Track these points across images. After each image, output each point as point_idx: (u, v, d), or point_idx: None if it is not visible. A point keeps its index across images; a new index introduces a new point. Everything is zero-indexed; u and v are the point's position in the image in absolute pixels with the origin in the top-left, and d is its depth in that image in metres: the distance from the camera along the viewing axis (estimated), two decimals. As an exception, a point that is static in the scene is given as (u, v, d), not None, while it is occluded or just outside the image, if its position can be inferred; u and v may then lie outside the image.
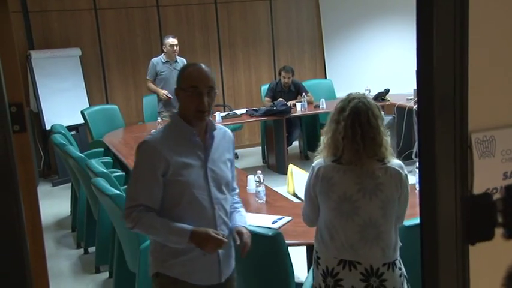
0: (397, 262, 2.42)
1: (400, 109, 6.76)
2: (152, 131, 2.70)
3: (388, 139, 2.41)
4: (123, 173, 4.67)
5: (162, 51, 6.78)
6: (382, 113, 2.46)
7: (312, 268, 2.61)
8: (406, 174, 2.43)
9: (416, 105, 6.19)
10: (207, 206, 2.28)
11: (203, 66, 2.29)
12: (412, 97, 6.71)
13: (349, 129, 2.33)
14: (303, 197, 2.66)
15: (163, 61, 6.73)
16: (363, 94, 2.45)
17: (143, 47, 8.02)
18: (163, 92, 6.65)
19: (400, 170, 2.39)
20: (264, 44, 8.63)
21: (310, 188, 2.46)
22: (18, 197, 1.07)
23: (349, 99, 2.40)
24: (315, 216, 2.50)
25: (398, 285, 2.40)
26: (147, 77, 6.82)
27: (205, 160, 2.29)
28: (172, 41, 6.64)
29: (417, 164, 3.43)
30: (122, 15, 7.86)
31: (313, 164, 2.49)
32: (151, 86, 6.77)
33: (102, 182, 3.46)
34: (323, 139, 2.48)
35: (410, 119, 6.64)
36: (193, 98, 2.21)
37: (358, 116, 2.33)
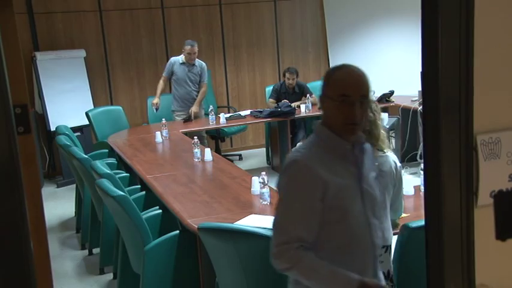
0: (391, 247, 2.57)
1: (405, 110, 6.75)
2: (299, 144, 2.11)
3: (384, 133, 2.58)
4: (128, 174, 4.67)
5: (182, 53, 6.84)
6: (379, 107, 2.61)
7: None
8: (401, 166, 2.64)
9: (421, 107, 6.17)
10: (366, 239, 1.88)
11: (355, 69, 1.87)
12: (417, 98, 6.69)
13: None
14: None
15: (181, 62, 6.81)
16: None
17: (148, 48, 8.03)
18: (155, 102, 6.79)
19: (396, 161, 2.59)
20: (268, 46, 8.63)
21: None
22: (22, 198, 1.07)
23: None
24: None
25: (391, 269, 2.55)
26: (163, 74, 6.95)
27: (359, 179, 1.90)
28: (190, 49, 6.73)
29: (422, 165, 3.43)
30: (127, 16, 7.88)
31: None
32: (160, 85, 6.88)
33: (106, 183, 3.46)
34: None
35: (415, 121, 6.63)
36: (343, 108, 1.82)
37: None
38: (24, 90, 1.22)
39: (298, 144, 2.06)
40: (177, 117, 6.88)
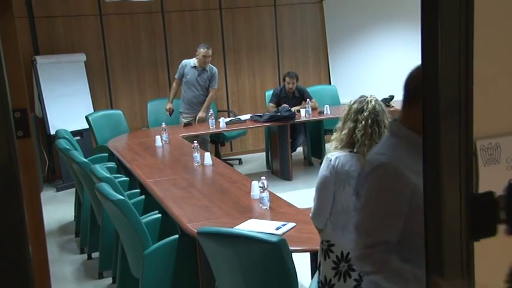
0: None
1: (405, 115, 6.75)
2: (378, 148, 2.01)
3: None
4: (127, 178, 4.67)
5: (196, 56, 6.87)
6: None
7: (317, 272, 2.63)
8: None
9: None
10: None
11: None
12: (417, 103, 6.70)
13: (368, 128, 2.53)
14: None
15: (192, 65, 6.86)
16: (375, 97, 2.66)
17: (148, 53, 8.04)
18: (168, 107, 6.92)
19: None
20: (268, 50, 8.64)
21: (326, 179, 2.55)
22: (21, 202, 1.07)
23: (367, 100, 2.60)
24: (327, 211, 2.56)
25: None
26: (175, 76, 7.02)
27: None
28: (206, 51, 6.76)
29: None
30: (127, 20, 7.89)
31: (327, 155, 2.61)
32: (173, 89, 7.00)
33: (106, 187, 3.46)
34: (336, 135, 2.63)
35: (415, 125, 6.63)
36: None
37: (377, 117, 2.55)
38: (23, 95, 1.22)
39: (378, 147, 1.94)
40: (183, 119, 6.93)
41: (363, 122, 2.54)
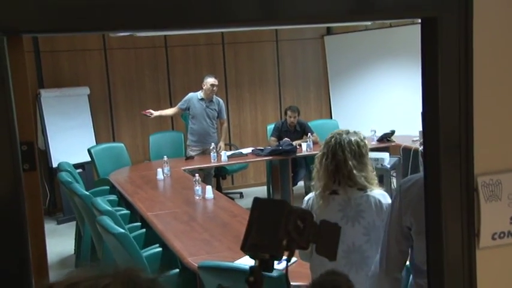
0: None
1: (406, 150, 6.76)
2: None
3: (370, 170, 2.60)
4: (128, 212, 4.66)
5: (201, 88, 6.95)
6: (364, 143, 2.63)
7: None
8: (389, 203, 2.51)
9: (421, 147, 6.19)
10: None
11: None
12: (418, 138, 6.72)
13: (329, 165, 2.55)
14: None
15: (199, 98, 6.92)
16: (345, 131, 2.66)
17: (151, 86, 8.11)
18: (149, 111, 6.93)
19: (380, 198, 2.55)
20: (270, 84, 8.71)
21: None
22: (26, 235, 1.07)
23: (329, 137, 2.64)
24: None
25: None
26: (178, 104, 7.09)
27: None
28: (213, 80, 6.85)
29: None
30: (131, 55, 7.99)
31: (305, 198, 2.72)
32: (168, 110, 7.13)
33: (107, 220, 3.45)
34: (313, 174, 2.69)
35: (416, 161, 6.63)
36: None
37: (334, 154, 2.55)
38: (31, 128, 1.24)
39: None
40: (191, 152, 6.95)
41: (324, 160, 2.55)
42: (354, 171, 2.53)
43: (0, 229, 1.06)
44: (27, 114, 1.23)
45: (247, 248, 0.88)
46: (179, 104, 7.08)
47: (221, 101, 7.08)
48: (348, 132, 2.63)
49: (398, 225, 2.10)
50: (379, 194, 2.57)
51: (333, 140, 2.60)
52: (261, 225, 0.88)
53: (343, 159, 2.53)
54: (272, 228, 0.87)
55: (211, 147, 6.70)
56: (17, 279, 1.12)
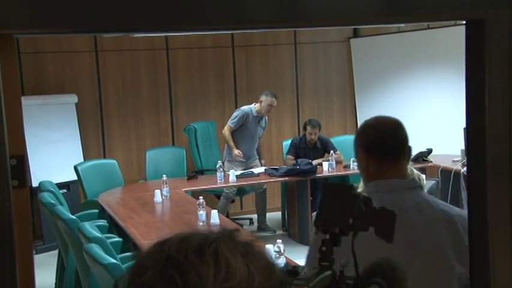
0: None
1: (445, 172, 6.74)
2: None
3: None
4: (121, 239, 4.67)
5: (255, 103, 7.22)
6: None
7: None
8: None
9: (464, 168, 6.17)
10: None
11: None
12: (460, 159, 6.70)
13: None
14: None
15: (255, 115, 7.17)
16: None
17: (148, 94, 8.17)
18: (237, 153, 7.11)
19: None
20: (287, 94, 8.74)
21: None
22: (13, 259, 1.09)
23: None
24: None
25: None
26: (230, 124, 7.21)
27: None
28: (273, 101, 7.11)
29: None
30: (126, 58, 8.06)
31: None
32: (229, 136, 7.20)
33: (96, 249, 3.48)
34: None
35: (458, 184, 6.61)
36: None
37: None
38: (21, 140, 1.27)
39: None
40: (233, 167, 7.07)
41: None
42: None
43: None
44: (17, 123, 1.26)
45: (319, 223, 1.19)
46: (231, 122, 7.19)
47: (266, 117, 7.43)
48: None
49: None
50: None
51: None
52: (331, 205, 1.21)
53: None
54: (340, 207, 1.20)
55: (253, 164, 7.18)
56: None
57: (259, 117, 7.16)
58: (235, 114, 7.19)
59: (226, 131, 7.21)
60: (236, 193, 7.44)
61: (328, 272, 1.12)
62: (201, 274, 0.88)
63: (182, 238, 0.96)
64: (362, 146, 2.18)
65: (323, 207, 1.22)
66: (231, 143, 7.14)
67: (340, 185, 1.41)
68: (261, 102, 7.10)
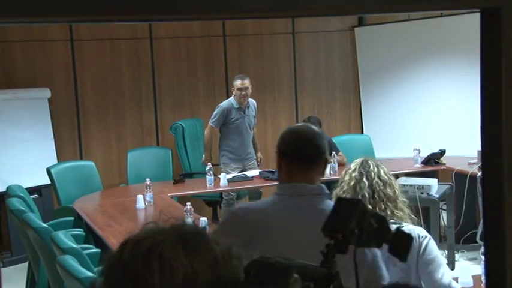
0: None
1: (460, 176, 6.75)
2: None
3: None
4: (99, 250, 4.66)
5: (233, 94, 7.15)
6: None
7: None
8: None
9: (481, 172, 6.17)
10: None
11: None
12: (476, 161, 6.71)
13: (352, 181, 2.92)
14: None
15: (236, 107, 7.09)
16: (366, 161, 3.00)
17: (130, 89, 8.16)
18: (206, 158, 7.13)
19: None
20: (284, 89, 8.75)
21: None
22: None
23: (356, 160, 3.05)
24: None
25: None
26: (211, 123, 7.18)
27: None
28: (239, 83, 7.00)
29: (482, 249, 3.41)
30: (106, 48, 8.04)
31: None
32: (208, 138, 7.21)
33: (70, 261, 3.47)
34: None
35: (474, 189, 6.61)
36: None
37: (368, 168, 2.94)
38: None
39: None
40: (231, 171, 7.08)
41: (346, 177, 2.95)
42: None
43: None
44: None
45: (325, 229, 1.41)
46: (212, 121, 7.14)
47: (255, 102, 7.34)
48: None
49: None
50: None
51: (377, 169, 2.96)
52: (339, 215, 1.42)
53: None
54: (348, 217, 1.40)
55: (250, 163, 7.17)
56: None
57: (243, 108, 7.12)
58: (214, 112, 7.14)
59: (207, 131, 7.23)
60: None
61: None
62: (148, 279, 1.15)
63: (135, 243, 1.22)
64: (278, 149, 2.47)
65: (332, 216, 1.44)
66: (207, 146, 7.18)
67: (352, 199, 1.63)
68: (233, 89, 7.10)
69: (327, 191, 2.46)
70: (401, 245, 1.47)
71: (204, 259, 1.17)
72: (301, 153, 2.42)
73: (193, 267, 1.15)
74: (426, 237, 2.78)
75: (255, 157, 7.38)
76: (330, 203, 2.38)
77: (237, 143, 7.13)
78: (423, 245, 2.75)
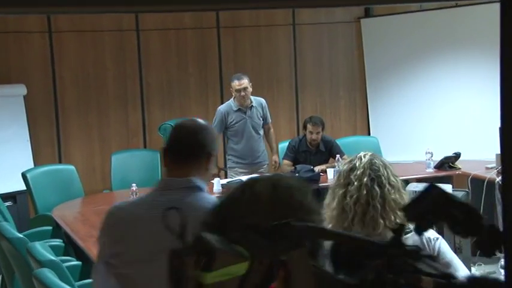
0: None
1: (477, 181, 6.75)
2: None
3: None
4: (79, 263, 4.66)
5: (232, 95, 7.13)
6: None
7: None
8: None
9: (500, 177, 6.18)
10: None
11: None
12: (494, 165, 6.72)
13: (363, 190, 2.66)
14: None
15: (235, 109, 7.07)
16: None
17: (115, 85, 8.15)
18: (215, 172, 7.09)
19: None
20: (283, 86, 8.75)
21: None
22: None
23: (359, 156, 2.78)
24: None
25: None
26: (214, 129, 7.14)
27: None
28: (237, 84, 6.99)
29: (502, 262, 3.41)
30: (87, 41, 8.04)
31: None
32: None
33: (48, 275, 3.46)
34: (327, 213, 2.73)
35: (492, 196, 6.62)
36: None
37: (376, 172, 2.69)
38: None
39: None
40: (235, 175, 7.14)
41: (356, 183, 2.67)
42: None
43: None
44: None
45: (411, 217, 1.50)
46: (213, 127, 7.14)
47: (263, 101, 7.30)
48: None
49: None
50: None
51: (368, 157, 2.81)
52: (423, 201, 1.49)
53: (397, 187, 2.76)
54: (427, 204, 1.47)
55: (261, 169, 7.15)
56: None
57: (243, 109, 7.11)
58: (214, 118, 7.17)
59: None
60: None
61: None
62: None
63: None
64: (163, 146, 2.65)
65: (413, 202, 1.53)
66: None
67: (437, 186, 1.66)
68: (231, 91, 7.11)
69: (198, 183, 2.51)
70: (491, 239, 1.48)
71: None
72: (178, 147, 2.57)
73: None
74: (438, 239, 2.73)
75: (268, 162, 7.38)
76: (202, 196, 2.50)
77: (240, 146, 7.13)
78: (436, 249, 2.70)
